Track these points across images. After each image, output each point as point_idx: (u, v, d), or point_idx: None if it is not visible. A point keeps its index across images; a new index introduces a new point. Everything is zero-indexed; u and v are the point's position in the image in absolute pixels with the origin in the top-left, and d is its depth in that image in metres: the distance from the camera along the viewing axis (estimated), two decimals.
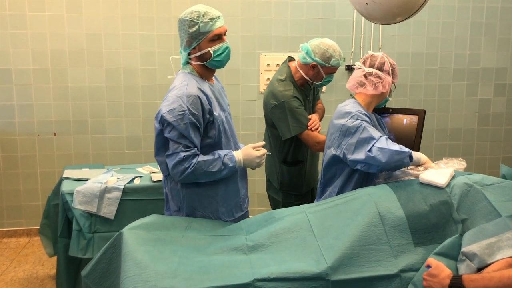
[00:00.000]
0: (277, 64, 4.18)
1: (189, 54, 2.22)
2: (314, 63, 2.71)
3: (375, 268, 1.78)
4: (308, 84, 2.88)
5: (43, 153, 4.14)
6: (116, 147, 4.23)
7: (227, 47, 2.23)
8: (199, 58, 2.21)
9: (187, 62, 2.27)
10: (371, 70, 2.33)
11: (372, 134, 2.16)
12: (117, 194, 2.88)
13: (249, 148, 2.30)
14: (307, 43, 2.77)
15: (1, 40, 3.95)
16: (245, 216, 2.42)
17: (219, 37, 2.19)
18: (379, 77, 2.31)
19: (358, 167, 2.19)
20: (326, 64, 2.71)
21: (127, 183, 2.94)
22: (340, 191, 2.32)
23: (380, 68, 2.32)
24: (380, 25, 4.32)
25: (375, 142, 2.14)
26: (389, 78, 2.32)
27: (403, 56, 4.48)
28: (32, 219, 4.18)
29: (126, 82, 4.16)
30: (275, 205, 3.08)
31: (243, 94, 4.26)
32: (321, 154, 3.09)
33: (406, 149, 2.14)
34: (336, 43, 2.78)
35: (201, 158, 2.14)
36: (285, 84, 2.77)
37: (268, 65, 4.26)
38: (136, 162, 4.11)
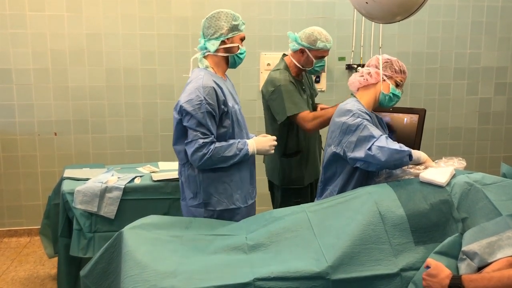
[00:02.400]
0: None
1: (221, 43, 2.38)
2: (302, 47, 2.83)
3: (376, 267, 1.78)
4: (303, 75, 2.99)
5: (44, 152, 4.15)
6: (117, 147, 4.24)
7: (245, 51, 2.50)
8: (227, 50, 2.41)
9: (204, 56, 2.43)
10: (361, 69, 2.45)
11: (372, 133, 2.17)
12: (117, 194, 2.88)
13: (259, 136, 2.52)
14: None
15: (1, 40, 3.95)
16: (254, 204, 2.57)
17: (243, 40, 2.47)
18: (368, 71, 2.40)
19: (358, 165, 2.20)
20: (313, 47, 2.82)
21: (127, 183, 2.94)
22: (341, 190, 2.31)
23: (368, 65, 2.43)
24: (380, 24, 4.32)
25: (375, 141, 2.14)
26: (374, 69, 2.37)
27: (404, 55, 4.47)
28: (32, 218, 4.18)
29: (126, 81, 4.16)
30: (277, 203, 3.10)
31: (244, 93, 4.26)
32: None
33: (406, 148, 2.14)
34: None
35: (218, 144, 2.31)
36: (281, 72, 2.89)
37: (268, 64, 4.26)
38: (136, 162, 4.10)
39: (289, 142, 2.93)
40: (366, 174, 2.29)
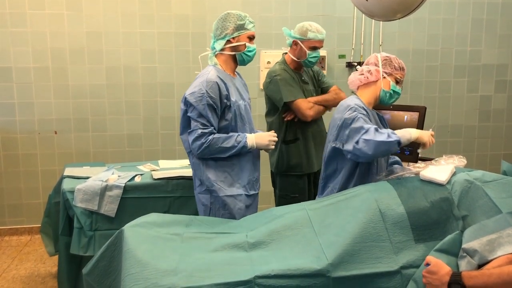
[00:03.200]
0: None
1: (227, 42, 2.54)
2: (295, 39, 2.98)
3: (376, 265, 1.78)
4: (306, 71, 3.12)
5: (44, 151, 4.15)
6: (117, 145, 4.24)
7: (255, 49, 2.61)
8: (233, 48, 2.56)
9: (215, 55, 2.58)
10: (361, 67, 2.44)
11: (362, 125, 2.17)
12: (118, 192, 2.88)
13: (260, 132, 2.65)
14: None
15: (1, 39, 3.95)
16: (257, 196, 2.66)
17: (252, 38, 2.60)
18: (368, 69, 2.40)
19: (349, 157, 2.24)
20: (304, 38, 2.96)
21: (128, 181, 2.94)
22: (342, 187, 2.32)
23: (367, 63, 2.43)
24: (381, 22, 4.32)
25: (363, 133, 2.14)
26: (374, 67, 2.37)
27: (404, 53, 4.47)
28: (33, 217, 4.18)
29: (126, 80, 4.16)
30: (276, 196, 3.16)
31: None
32: (320, 145, 3.13)
33: (394, 137, 2.12)
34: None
35: (217, 135, 2.46)
36: (279, 65, 3.07)
37: (269, 62, 4.26)
38: (136, 160, 4.11)
39: (288, 129, 3.03)
40: (366, 171, 2.31)
